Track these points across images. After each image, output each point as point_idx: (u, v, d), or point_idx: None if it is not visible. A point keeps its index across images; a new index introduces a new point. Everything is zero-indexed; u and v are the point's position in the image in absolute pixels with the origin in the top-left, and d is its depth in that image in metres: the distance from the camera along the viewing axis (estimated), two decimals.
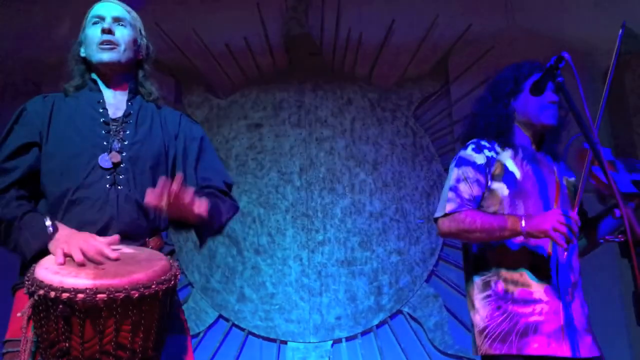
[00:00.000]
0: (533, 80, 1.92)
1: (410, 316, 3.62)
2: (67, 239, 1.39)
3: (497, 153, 1.92)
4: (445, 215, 1.87)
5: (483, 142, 1.94)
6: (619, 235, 1.27)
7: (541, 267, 1.80)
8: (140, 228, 1.55)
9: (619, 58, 3.84)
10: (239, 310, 3.55)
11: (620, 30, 1.87)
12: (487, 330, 1.81)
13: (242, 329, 3.55)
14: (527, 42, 3.96)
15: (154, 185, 1.45)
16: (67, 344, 1.22)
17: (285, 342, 3.54)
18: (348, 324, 3.57)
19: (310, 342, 3.53)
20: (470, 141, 1.98)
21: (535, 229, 1.69)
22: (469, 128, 2.06)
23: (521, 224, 1.71)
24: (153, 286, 1.24)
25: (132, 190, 1.55)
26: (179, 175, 1.41)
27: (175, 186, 1.38)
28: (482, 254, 1.91)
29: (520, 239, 1.81)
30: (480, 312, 1.86)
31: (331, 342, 3.54)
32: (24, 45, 4.02)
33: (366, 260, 3.68)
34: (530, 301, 1.78)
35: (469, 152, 1.93)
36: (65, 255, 1.35)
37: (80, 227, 1.46)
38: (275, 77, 4.04)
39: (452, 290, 3.66)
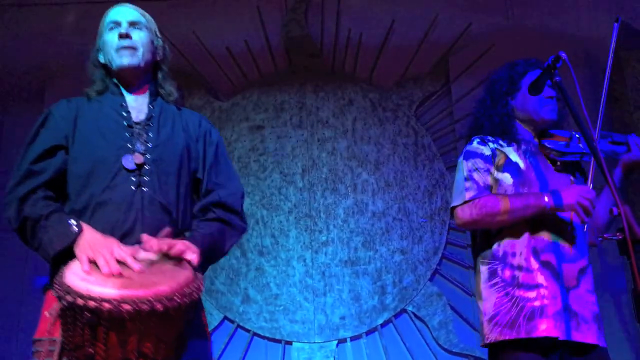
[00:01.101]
0: (529, 77, 1.97)
1: (415, 315, 3.63)
2: (91, 245, 1.41)
3: (500, 146, 1.99)
4: (465, 202, 1.90)
5: (487, 137, 2.01)
6: (618, 234, 1.28)
7: (544, 252, 1.85)
8: (163, 226, 1.55)
9: (618, 53, 3.84)
10: (243, 311, 3.57)
11: (615, 24, 1.88)
12: (497, 318, 1.85)
13: (247, 330, 3.56)
14: (526, 40, 3.96)
15: (177, 186, 1.52)
16: (92, 350, 1.24)
17: (290, 343, 3.55)
18: (352, 323, 3.58)
19: (315, 343, 3.54)
20: (474, 136, 2.04)
21: (561, 202, 1.76)
22: (473, 130, 2.11)
23: (544, 199, 1.78)
24: (176, 299, 1.26)
25: (156, 192, 1.57)
26: (166, 231, 1.47)
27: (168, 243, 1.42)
28: (488, 244, 1.95)
29: (526, 227, 1.87)
30: (489, 301, 1.89)
31: (336, 342, 3.55)
32: (27, 49, 4.05)
33: (370, 259, 3.69)
34: (533, 285, 1.82)
35: (475, 145, 2.00)
36: (90, 261, 1.37)
37: (105, 229, 1.49)
38: (276, 79, 4.06)
39: (456, 289, 3.67)
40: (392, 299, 3.63)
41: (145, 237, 1.40)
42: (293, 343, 3.54)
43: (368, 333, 3.59)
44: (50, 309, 1.31)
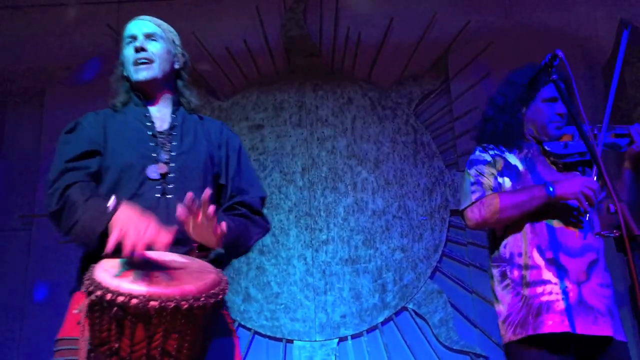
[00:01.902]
0: (547, 90, 2.01)
1: (415, 313, 3.64)
2: (124, 223, 1.40)
3: (501, 152, 2.04)
4: (472, 204, 1.96)
5: (488, 146, 2.08)
6: (615, 231, 1.29)
7: (549, 250, 1.87)
8: (188, 234, 1.58)
9: (617, 52, 3.84)
10: (244, 310, 3.58)
11: (625, 31, 1.92)
12: (510, 318, 1.90)
13: (249, 329, 3.58)
14: (525, 37, 3.97)
15: (202, 193, 1.51)
16: (117, 345, 1.27)
17: (291, 341, 3.56)
18: (353, 321, 3.59)
19: (316, 341, 3.55)
20: (476, 147, 2.12)
21: (565, 190, 1.80)
22: (479, 132, 2.16)
23: (548, 189, 1.82)
24: (202, 299, 1.29)
25: (180, 198, 1.58)
26: (207, 191, 1.45)
27: (202, 204, 1.42)
28: (496, 247, 2.00)
29: (528, 226, 1.92)
30: (503, 302, 1.94)
31: (337, 340, 3.57)
32: (27, 52, 4.06)
33: (370, 258, 3.70)
34: (541, 282, 1.86)
35: (477, 154, 2.08)
36: (117, 240, 1.37)
37: None
38: (275, 78, 4.07)
39: (457, 286, 3.68)
40: (393, 297, 3.64)
41: (178, 206, 1.42)
42: (294, 341, 3.56)
43: (369, 331, 3.60)
44: (79, 306, 1.32)
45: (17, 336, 3.57)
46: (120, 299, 1.24)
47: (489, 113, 2.14)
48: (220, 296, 1.34)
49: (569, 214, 1.90)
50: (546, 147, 1.97)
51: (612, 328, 1.82)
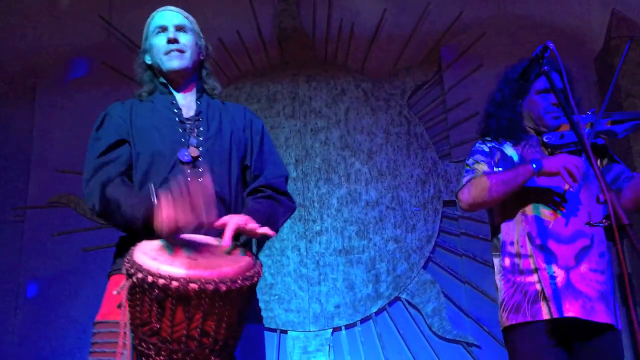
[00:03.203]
0: (540, 82, 2.05)
1: (409, 303, 3.66)
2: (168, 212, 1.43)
3: (500, 144, 2.10)
4: (464, 186, 2.02)
5: (487, 139, 2.13)
6: (604, 220, 1.31)
7: (539, 237, 1.92)
8: (219, 217, 1.60)
9: (610, 42, 3.87)
10: None
11: (627, 43, 1.96)
12: (504, 304, 1.96)
13: None
14: (518, 28, 3.98)
15: (229, 175, 1.65)
16: (158, 325, 1.32)
17: (285, 332, 3.58)
18: (347, 312, 3.61)
19: (310, 331, 3.58)
20: (477, 141, 2.18)
21: (547, 164, 1.83)
22: (483, 128, 2.20)
23: (531, 165, 1.87)
24: (239, 281, 1.33)
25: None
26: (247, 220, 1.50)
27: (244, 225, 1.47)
28: (495, 236, 2.07)
29: (519, 215, 1.97)
30: (501, 290, 2.00)
31: (331, 330, 3.59)
32: (18, 43, 4.03)
33: (363, 248, 3.72)
34: (532, 270, 1.91)
35: (476, 146, 2.15)
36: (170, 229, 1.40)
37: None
38: (268, 70, 4.06)
39: (449, 276, 3.71)
40: (386, 287, 3.66)
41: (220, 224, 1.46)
42: (288, 332, 3.58)
43: (362, 321, 3.63)
44: (118, 287, 1.37)
45: (12, 323, 3.57)
46: (161, 281, 1.28)
47: (489, 110, 2.19)
48: (256, 279, 1.39)
49: (552, 197, 1.94)
50: (544, 139, 1.99)
51: (604, 314, 1.84)
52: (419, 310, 3.64)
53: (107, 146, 1.69)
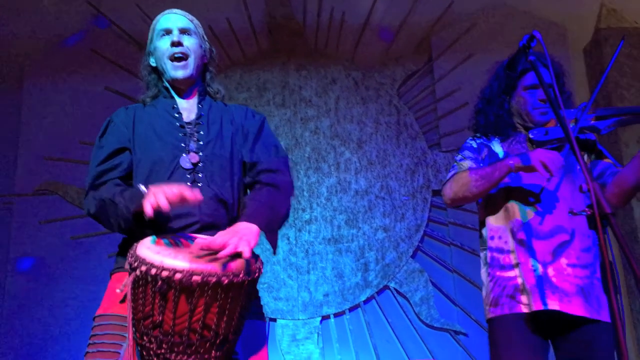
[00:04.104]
0: (526, 78, 2.06)
1: (397, 291, 3.69)
2: (152, 191, 1.49)
3: (488, 141, 2.13)
4: (447, 181, 2.07)
5: (477, 135, 2.17)
6: (587, 209, 1.32)
7: (519, 232, 1.94)
8: (220, 218, 1.64)
9: (599, 33, 3.88)
10: None
11: (621, 42, 1.97)
12: (486, 298, 2.01)
13: None
14: (508, 18, 3.98)
15: (231, 177, 1.65)
16: (160, 318, 1.34)
17: (274, 320, 3.60)
18: (336, 300, 3.63)
19: (299, 319, 3.60)
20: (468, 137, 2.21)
21: (524, 160, 1.86)
22: (473, 123, 2.23)
23: (508, 161, 1.90)
24: (241, 275, 1.35)
25: (210, 185, 1.66)
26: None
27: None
28: (482, 232, 2.10)
29: (502, 211, 2.00)
30: (484, 283, 2.05)
31: (320, 318, 3.61)
32: (4, 30, 3.99)
33: (352, 237, 3.73)
34: (512, 265, 1.94)
35: (467, 142, 2.18)
36: (153, 208, 1.44)
37: (168, 222, 1.60)
38: (258, 58, 4.05)
39: (438, 265, 3.74)
40: (375, 276, 3.68)
41: (201, 243, 1.45)
42: (277, 320, 3.60)
43: (351, 309, 3.65)
44: (122, 284, 1.40)
45: None
46: (165, 273, 1.30)
47: (479, 106, 2.21)
48: (257, 274, 1.41)
49: (532, 194, 1.97)
50: (530, 135, 2.01)
51: (582, 307, 1.86)
52: (407, 299, 3.67)
53: (107, 154, 1.71)
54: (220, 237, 1.42)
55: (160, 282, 1.31)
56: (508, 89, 2.11)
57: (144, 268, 1.33)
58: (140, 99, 1.85)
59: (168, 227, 1.60)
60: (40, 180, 3.74)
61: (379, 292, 3.69)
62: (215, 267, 1.33)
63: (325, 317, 3.63)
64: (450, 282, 3.69)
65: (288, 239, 3.72)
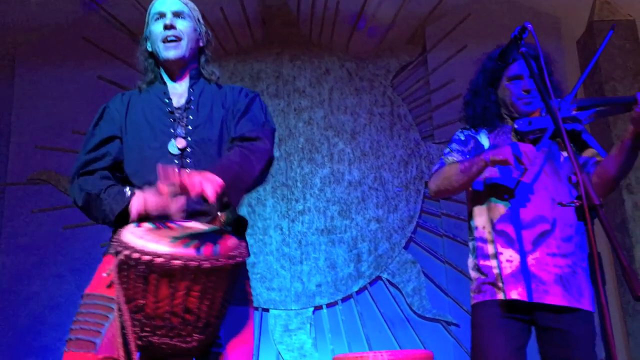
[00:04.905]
0: (511, 69, 2.08)
1: (389, 282, 3.70)
2: (141, 200, 1.59)
3: (476, 133, 2.15)
4: (432, 174, 2.12)
5: (466, 127, 2.20)
6: (575, 201, 1.33)
7: (500, 222, 1.98)
8: (209, 205, 1.60)
9: (593, 25, 3.88)
10: None
11: (610, 32, 1.97)
12: (471, 285, 2.06)
13: None
14: (502, 9, 3.98)
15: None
16: (143, 301, 1.37)
17: (267, 310, 3.61)
18: (328, 290, 3.65)
19: (291, 310, 3.61)
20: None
21: (495, 152, 1.89)
22: (463, 116, 2.24)
23: (484, 155, 1.93)
24: (222, 260, 1.37)
25: (198, 170, 1.61)
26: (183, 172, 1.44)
27: (178, 179, 1.41)
28: (469, 222, 2.14)
29: (486, 202, 2.04)
30: (470, 272, 2.09)
31: (312, 308, 3.62)
32: None
33: (345, 228, 3.74)
34: (493, 255, 1.98)
35: (455, 134, 2.21)
36: (139, 213, 1.55)
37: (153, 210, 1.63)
38: (252, 48, 4.03)
39: (430, 256, 3.75)
40: (368, 267, 3.69)
41: (161, 170, 1.41)
42: (270, 310, 3.61)
43: (344, 300, 3.67)
44: (109, 268, 1.43)
45: None
46: (146, 257, 1.33)
47: (466, 97, 2.23)
48: (239, 259, 1.43)
49: (510, 185, 2.00)
50: (515, 125, 2.02)
51: (560, 296, 1.88)
52: (399, 290, 3.68)
53: (96, 143, 1.73)
54: (185, 175, 1.38)
55: (141, 267, 1.33)
56: (493, 80, 2.13)
57: (126, 252, 1.35)
58: (137, 85, 1.86)
59: (153, 215, 1.61)
60: (32, 169, 3.73)
61: (372, 283, 3.70)
62: (196, 252, 1.35)
63: (317, 308, 3.64)
64: (442, 273, 3.71)
65: (281, 229, 3.72)
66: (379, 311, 3.65)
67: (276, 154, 3.81)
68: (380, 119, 3.92)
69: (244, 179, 1.57)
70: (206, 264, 1.34)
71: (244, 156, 1.61)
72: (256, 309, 3.60)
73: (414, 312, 3.64)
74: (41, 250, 3.62)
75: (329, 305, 3.65)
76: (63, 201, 3.66)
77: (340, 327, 3.62)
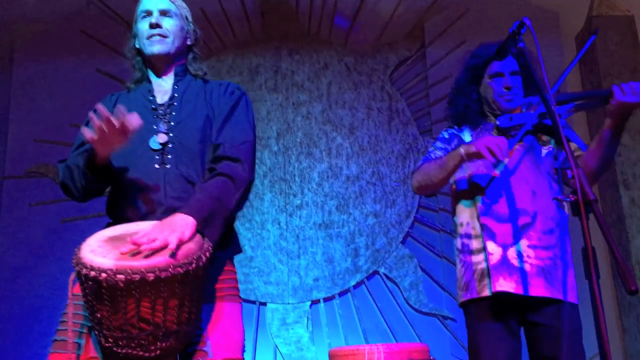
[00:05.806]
0: (492, 67, 2.10)
1: (386, 276, 3.71)
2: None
3: (459, 131, 2.18)
4: (415, 171, 2.15)
5: (451, 125, 2.22)
6: (570, 196, 1.34)
7: (483, 216, 2.00)
8: (187, 201, 1.62)
9: (592, 20, 3.87)
10: None
11: (592, 37, 2.02)
12: (458, 282, 2.08)
13: None
14: (501, 5, 3.97)
15: (201, 157, 1.66)
16: (99, 315, 1.38)
17: (264, 304, 3.62)
18: (326, 285, 3.66)
19: (289, 303, 3.62)
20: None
21: (470, 146, 1.92)
22: (447, 113, 2.27)
23: (459, 149, 1.97)
24: (170, 269, 1.35)
25: (179, 166, 1.68)
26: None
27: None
28: (453, 219, 2.16)
29: (469, 198, 2.07)
30: (457, 269, 2.11)
31: (309, 302, 3.64)
32: None
33: (343, 223, 3.75)
34: (478, 250, 2.00)
35: (441, 133, 2.25)
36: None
37: (134, 205, 1.65)
38: (251, 42, 4.03)
39: (427, 251, 3.76)
40: (365, 261, 3.70)
41: (131, 240, 1.44)
42: (267, 304, 3.62)
43: (341, 294, 3.68)
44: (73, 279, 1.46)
45: None
46: (92, 273, 1.33)
47: (450, 96, 2.25)
48: (193, 266, 1.39)
49: (488, 179, 2.01)
50: (497, 122, 2.04)
51: (543, 288, 1.90)
52: (396, 284, 3.69)
53: (82, 141, 1.72)
54: (152, 231, 1.43)
55: (90, 282, 1.34)
56: (475, 78, 2.14)
57: (77, 268, 1.37)
58: (125, 85, 1.87)
59: (133, 212, 1.63)
60: (30, 162, 3.73)
61: (369, 277, 3.71)
62: (141, 264, 1.34)
63: (315, 302, 3.65)
64: (439, 267, 3.72)
65: (279, 223, 3.73)
66: (376, 305, 3.67)
67: (274, 148, 3.82)
68: (378, 114, 3.93)
69: (221, 212, 1.59)
70: (151, 276, 1.33)
71: (223, 188, 1.62)
72: (253, 302, 3.61)
73: (411, 307, 3.66)
74: (40, 242, 3.62)
75: (326, 300, 3.66)
76: (61, 194, 3.64)
77: (337, 321, 3.63)
